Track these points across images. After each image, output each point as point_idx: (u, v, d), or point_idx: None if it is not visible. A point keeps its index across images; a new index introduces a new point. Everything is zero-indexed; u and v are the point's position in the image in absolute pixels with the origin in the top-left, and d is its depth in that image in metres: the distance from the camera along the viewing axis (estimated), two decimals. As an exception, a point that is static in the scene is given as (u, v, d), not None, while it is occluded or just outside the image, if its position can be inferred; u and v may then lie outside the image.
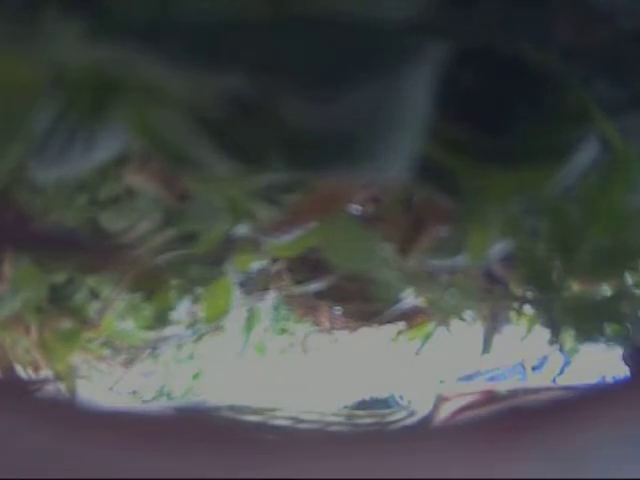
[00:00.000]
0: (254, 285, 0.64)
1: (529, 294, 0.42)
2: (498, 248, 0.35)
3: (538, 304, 0.42)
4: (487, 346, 0.53)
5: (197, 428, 0.21)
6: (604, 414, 0.21)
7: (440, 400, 0.56)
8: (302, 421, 0.59)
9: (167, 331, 0.66)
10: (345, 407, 0.93)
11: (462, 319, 0.54)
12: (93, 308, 0.55)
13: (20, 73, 0.22)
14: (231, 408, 0.63)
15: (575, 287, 0.38)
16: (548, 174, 0.29)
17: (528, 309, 0.49)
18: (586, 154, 0.29)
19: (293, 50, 0.20)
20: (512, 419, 0.22)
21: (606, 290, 0.40)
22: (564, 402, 0.23)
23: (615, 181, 0.29)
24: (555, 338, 0.41)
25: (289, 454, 0.20)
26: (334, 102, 0.21)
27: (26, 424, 0.20)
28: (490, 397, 0.53)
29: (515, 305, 0.49)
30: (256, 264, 0.58)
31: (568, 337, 0.43)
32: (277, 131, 0.22)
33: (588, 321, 0.38)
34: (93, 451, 0.19)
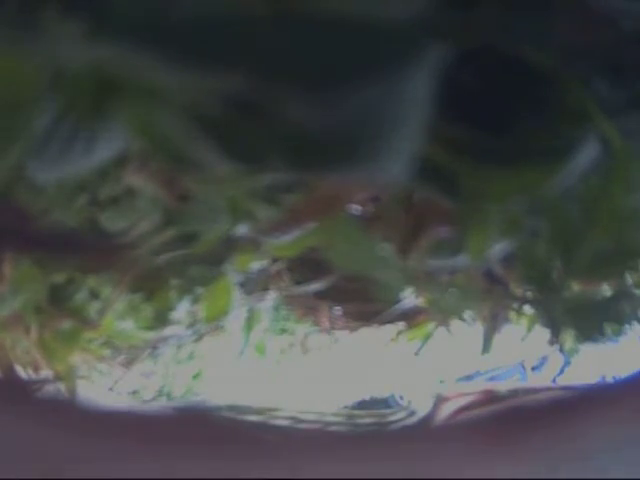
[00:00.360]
0: (254, 285, 0.64)
1: (529, 294, 0.42)
2: (498, 248, 0.35)
3: (538, 304, 0.42)
4: (487, 346, 0.53)
5: (197, 428, 0.21)
6: (604, 414, 0.21)
7: (440, 400, 0.56)
8: (302, 421, 0.59)
9: (167, 331, 0.66)
10: (345, 407, 0.93)
11: (462, 319, 0.54)
12: (93, 308, 0.55)
13: (20, 74, 0.22)
14: (231, 408, 0.62)
15: (575, 287, 0.38)
16: (548, 174, 0.29)
17: (528, 309, 0.49)
18: (586, 154, 0.29)
19: (293, 51, 0.20)
20: (512, 419, 0.22)
21: (606, 290, 0.40)
22: (564, 402, 0.23)
23: (615, 181, 0.29)
24: (555, 338, 0.41)
25: (289, 454, 0.20)
26: (335, 103, 0.21)
27: (26, 424, 0.20)
28: (490, 397, 0.53)
29: (515, 305, 0.49)
30: (256, 264, 0.58)
31: (568, 337, 0.43)
32: (278, 131, 0.22)
33: (588, 321, 0.38)
34: (93, 451, 0.19)
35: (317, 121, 0.21)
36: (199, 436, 0.20)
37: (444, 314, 0.56)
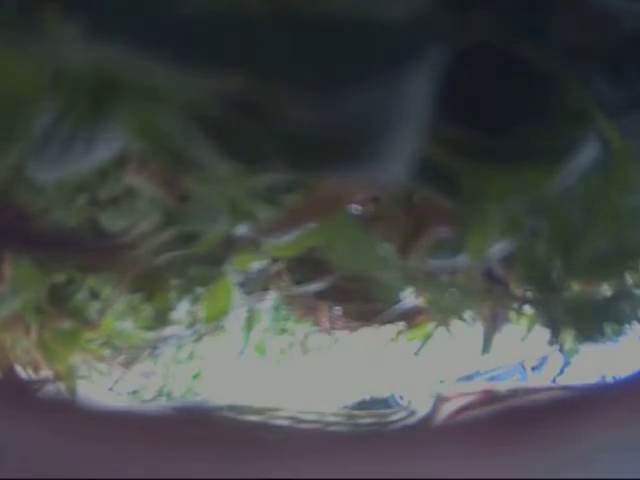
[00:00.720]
0: (254, 285, 0.64)
1: (529, 294, 0.42)
2: (498, 248, 0.35)
3: (538, 304, 0.42)
4: (487, 346, 0.53)
5: (197, 428, 0.21)
6: (605, 415, 0.21)
7: (440, 400, 0.56)
8: (302, 421, 0.59)
9: (167, 331, 0.66)
10: (345, 407, 0.93)
11: (462, 319, 0.54)
12: (93, 308, 0.55)
13: (20, 74, 0.22)
14: (231, 408, 0.62)
15: (575, 287, 0.38)
16: (548, 174, 0.29)
17: (528, 309, 0.49)
18: (586, 154, 0.29)
19: (293, 51, 0.20)
20: (512, 419, 0.21)
21: (606, 290, 0.40)
22: (564, 402, 0.22)
23: (614, 181, 0.29)
24: (555, 338, 0.41)
25: (289, 454, 0.20)
26: (335, 103, 0.21)
27: (26, 424, 0.20)
28: (490, 397, 0.53)
29: (515, 305, 0.49)
30: (256, 264, 0.58)
31: (568, 337, 0.43)
32: (278, 132, 0.22)
33: (588, 321, 0.38)
34: (93, 451, 0.19)
35: (317, 122, 0.21)
36: (199, 436, 0.20)
37: (444, 314, 0.56)
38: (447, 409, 0.53)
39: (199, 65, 0.20)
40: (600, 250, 0.31)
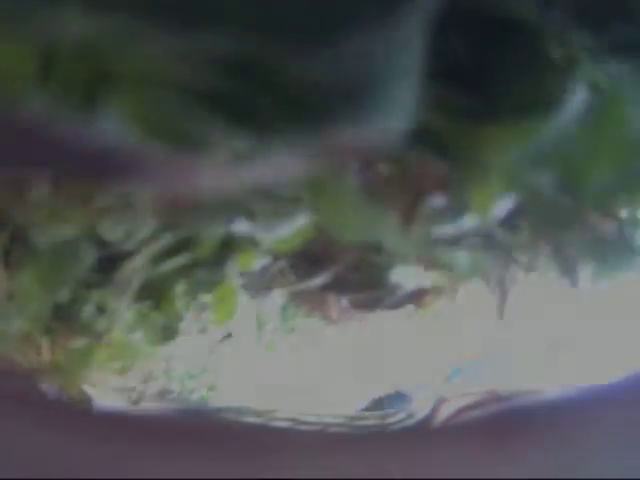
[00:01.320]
0: (259, 285, 0.64)
1: (540, 243, 0.42)
2: (502, 205, 0.35)
3: (552, 247, 0.41)
4: (501, 311, 0.53)
5: (198, 429, 0.20)
6: (605, 415, 0.21)
7: (440, 400, 0.56)
8: (303, 422, 0.59)
9: (177, 341, 0.66)
10: (360, 408, 0.92)
11: (474, 283, 0.54)
12: (101, 322, 0.55)
13: (11, 61, 0.21)
14: (232, 410, 0.62)
15: (588, 222, 0.38)
16: (539, 123, 0.29)
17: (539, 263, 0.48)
18: (577, 98, 0.29)
19: (284, 2, 0.20)
20: (512, 420, 0.21)
21: (619, 221, 0.40)
22: (564, 402, 0.22)
23: (610, 115, 0.29)
24: (573, 280, 0.41)
25: (289, 454, 0.20)
26: (331, 54, 0.21)
27: (28, 425, 0.20)
28: (490, 397, 0.53)
29: (523, 264, 0.48)
30: (258, 263, 0.58)
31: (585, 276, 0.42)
32: (276, 90, 0.22)
33: (604, 254, 0.38)
34: (93, 451, 0.19)
35: (314, 74, 0.21)
36: (200, 437, 0.20)
37: (453, 281, 0.56)
38: (447, 409, 0.53)
39: (188, 27, 0.20)
40: (608, 181, 0.31)
